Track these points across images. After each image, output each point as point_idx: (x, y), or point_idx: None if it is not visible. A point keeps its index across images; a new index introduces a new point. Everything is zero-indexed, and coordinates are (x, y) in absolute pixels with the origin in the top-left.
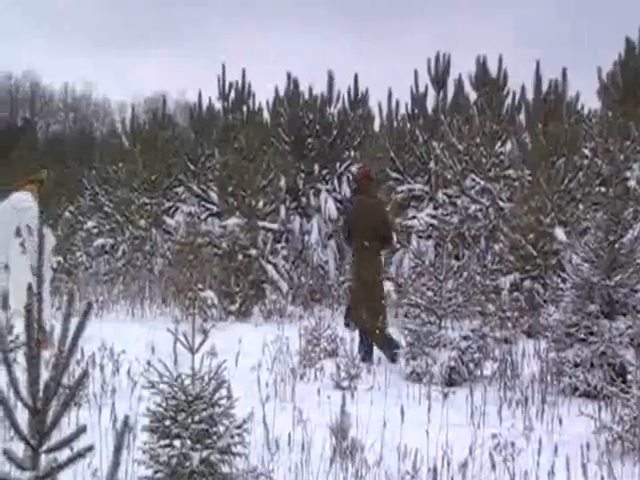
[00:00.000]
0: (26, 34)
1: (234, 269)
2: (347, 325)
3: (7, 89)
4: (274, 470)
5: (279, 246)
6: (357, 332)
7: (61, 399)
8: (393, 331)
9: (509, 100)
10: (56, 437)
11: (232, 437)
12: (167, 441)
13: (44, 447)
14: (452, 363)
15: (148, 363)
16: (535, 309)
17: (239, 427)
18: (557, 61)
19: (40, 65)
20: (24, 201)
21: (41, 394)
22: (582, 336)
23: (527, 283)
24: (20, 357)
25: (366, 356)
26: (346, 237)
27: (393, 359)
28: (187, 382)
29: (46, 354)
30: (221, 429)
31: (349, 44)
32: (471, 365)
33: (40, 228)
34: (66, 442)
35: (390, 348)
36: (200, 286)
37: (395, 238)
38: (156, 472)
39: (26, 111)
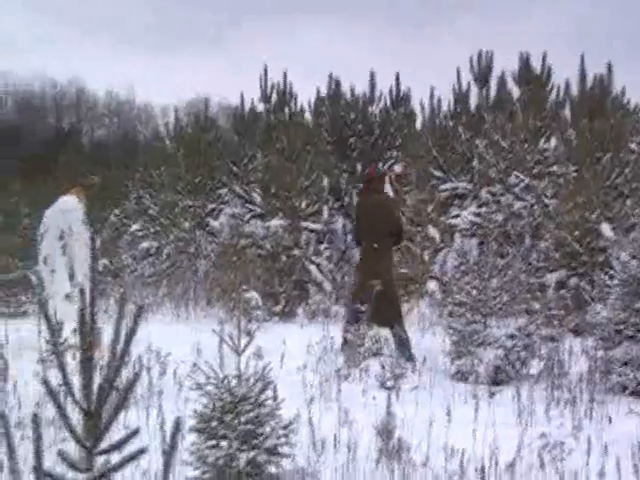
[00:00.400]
0: (69, 39)
1: (278, 270)
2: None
3: (53, 96)
4: (320, 470)
5: (322, 246)
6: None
7: (112, 401)
8: (439, 331)
9: (553, 96)
10: (106, 438)
11: (278, 438)
12: (214, 442)
13: (98, 449)
14: (498, 362)
15: (194, 365)
16: (582, 307)
17: (285, 428)
18: (603, 55)
19: (83, 70)
20: (69, 203)
21: (95, 396)
22: (631, 333)
23: (573, 280)
24: (69, 358)
25: (408, 354)
26: (356, 238)
27: (410, 358)
28: (233, 383)
29: (96, 354)
30: (267, 430)
31: (389, 42)
32: (517, 364)
33: (90, 231)
34: (120, 444)
35: (406, 348)
36: (244, 287)
37: (438, 237)
38: (204, 473)
39: (72, 117)
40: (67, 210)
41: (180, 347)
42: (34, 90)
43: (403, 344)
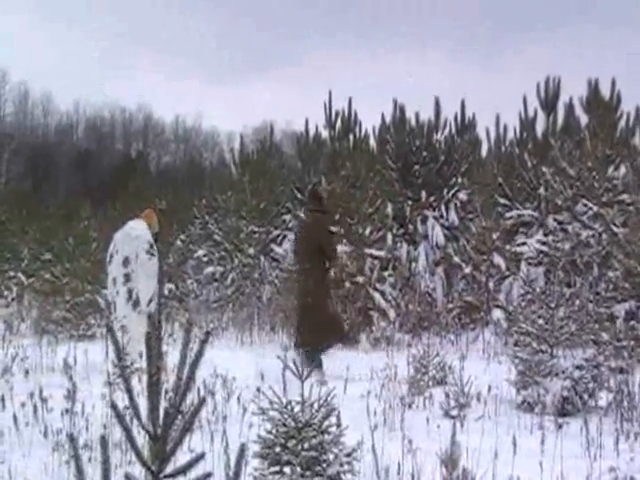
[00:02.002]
0: (138, 67)
1: (341, 296)
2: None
3: (122, 122)
4: None
5: (386, 273)
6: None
7: (178, 425)
8: (504, 360)
9: (623, 122)
10: (171, 462)
11: (341, 465)
12: (277, 468)
13: (164, 472)
14: (565, 393)
15: (258, 390)
16: None
17: (348, 455)
18: None
19: (151, 96)
20: (137, 229)
21: (161, 421)
22: None
23: None
24: (135, 382)
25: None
26: (294, 257)
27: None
28: (297, 409)
29: (161, 377)
30: (330, 457)
31: (453, 69)
32: (585, 395)
33: (158, 258)
34: (185, 468)
35: (315, 366)
36: None
37: (503, 265)
38: None
39: (139, 143)
40: (135, 237)
41: (244, 372)
42: (104, 116)
43: (313, 363)
